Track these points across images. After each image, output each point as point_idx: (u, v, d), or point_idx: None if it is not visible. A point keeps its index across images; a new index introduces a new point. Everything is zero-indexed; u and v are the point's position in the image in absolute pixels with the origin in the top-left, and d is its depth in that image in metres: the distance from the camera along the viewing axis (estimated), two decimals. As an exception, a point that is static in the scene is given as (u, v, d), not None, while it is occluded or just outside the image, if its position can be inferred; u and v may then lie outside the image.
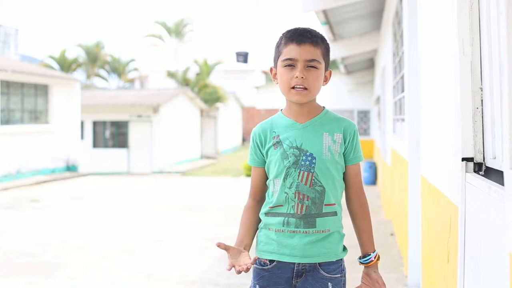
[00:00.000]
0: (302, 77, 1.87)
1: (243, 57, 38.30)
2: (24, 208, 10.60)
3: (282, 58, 1.92)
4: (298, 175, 1.90)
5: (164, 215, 9.51)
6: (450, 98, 2.14)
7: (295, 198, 1.90)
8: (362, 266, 2.02)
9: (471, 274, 1.84)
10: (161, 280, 5.30)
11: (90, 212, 10.09)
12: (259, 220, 2.03)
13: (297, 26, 1.97)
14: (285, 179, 1.91)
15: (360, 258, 2.01)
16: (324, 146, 1.93)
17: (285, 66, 1.90)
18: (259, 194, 2.05)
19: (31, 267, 5.84)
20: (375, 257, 1.98)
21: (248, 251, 1.97)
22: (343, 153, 1.96)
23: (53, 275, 5.50)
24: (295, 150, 1.92)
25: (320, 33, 1.97)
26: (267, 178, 2.01)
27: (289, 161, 1.91)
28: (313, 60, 1.88)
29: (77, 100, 18.53)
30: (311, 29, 1.95)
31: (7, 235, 7.79)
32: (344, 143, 1.95)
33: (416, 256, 4.35)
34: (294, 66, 1.89)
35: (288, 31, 1.95)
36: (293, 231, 1.90)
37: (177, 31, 31.13)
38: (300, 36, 1.90)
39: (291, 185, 1.91)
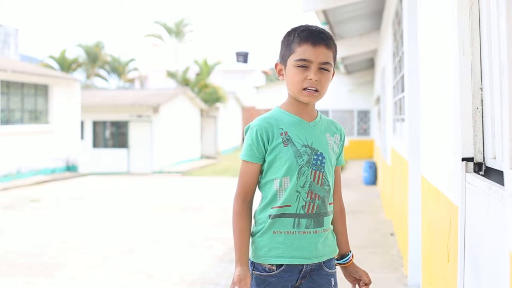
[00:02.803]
0: (316, 80, 1.85)
1: (243, 57, 38.29)
2: (24, 208, 10.60)
3: (295, 57, 1.88)
4: (311, 174, 1.89)
5: (164, 215, 9.51)
6: (450, 98, 2.14)
7: (307, 197, 1.88)
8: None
9: (471, 274, 1.83)
10: (161, 280, 5.30)
11: (90, 212, 10.09)
12: (251, 226, 1.96)
13: (308, 24, 1.93)
14: (298, 178, 1.87)
15: (337, 259, 2.04)
16: (329, 146, 1.95)
17: (298, 66, 1.87)
18: (250, 194, 1.94)
19: (31, 267, 5.84)
20: (352, 256, 2.06)
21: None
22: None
23: (53, 275, 5.50)
24: (307, 148, 1.90)
25: (330, 33, 1.97)
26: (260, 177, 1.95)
27: (303, 160, 1.88)
28: (326, 63, 1.88)
29: (77, 100, 18.53)
30: (323, 30, 1.93)
31: (7, 235, 7.79)
32: (339, 144, 2.01)
33: (416, 256, 4.36)
34: (307, 67, 1.86)
35: (302, 30, 1.90)
36: (304, 232, 1.88)
37: (177, 31, 31.11)
38: (315, 37, 1.87)
39: (304, 184, 1.88)
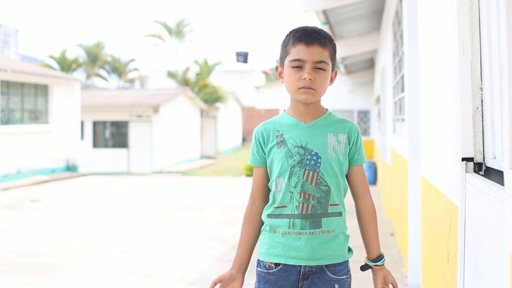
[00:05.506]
0: (310, 79, 1.85)
1: (243, 57, 38.28)
2: (24, 208, 10.60)
3: (290, 58, 1.89)
4: (303, 174, 1.88)
5: (164, 215, 9.51)
6: (450, 98, 2.13)
7: (300, 197, 1.88)
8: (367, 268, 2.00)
9: (471, 274, 1.83)
10: (161, 280, 5.30)
11: (90, 212, 10.09)
12: (259, 231, 2.00)
13: (305, 25, 1.94)
14: (289, 178, 1.88)
15: (372, 261, 1.98)
16: (329, 146, 1.91)
17: (293, 67, 1.87)
18: (260, 198, 1.99)
19: (31, 267, 5.84)
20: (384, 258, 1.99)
21: (245, 270, 2.00)
22: (347, 154, 1.95)
23: (53, 275, 5.50)
24: (299, 149, 1.90)
25: (328, 33, 1.95)
26: (269, 180, 1.98)
27: (294, 160, 1.89)
28: (321, 61, 1.87)
29: (77, 100, 18.53)
30: (319, 29, 1.92)
31: (7, 235, 7.79)
32: (349, 144, 1.95)
33: (416, 256, 4.36)
34: (302, 67, 1.86)
35: (297, 31, 1.91)
36: (299, 233, 1.87)
37: (177, 31, 31.11)
38: (309, 36, 1.87)
39: (296, 184, 1.88)
